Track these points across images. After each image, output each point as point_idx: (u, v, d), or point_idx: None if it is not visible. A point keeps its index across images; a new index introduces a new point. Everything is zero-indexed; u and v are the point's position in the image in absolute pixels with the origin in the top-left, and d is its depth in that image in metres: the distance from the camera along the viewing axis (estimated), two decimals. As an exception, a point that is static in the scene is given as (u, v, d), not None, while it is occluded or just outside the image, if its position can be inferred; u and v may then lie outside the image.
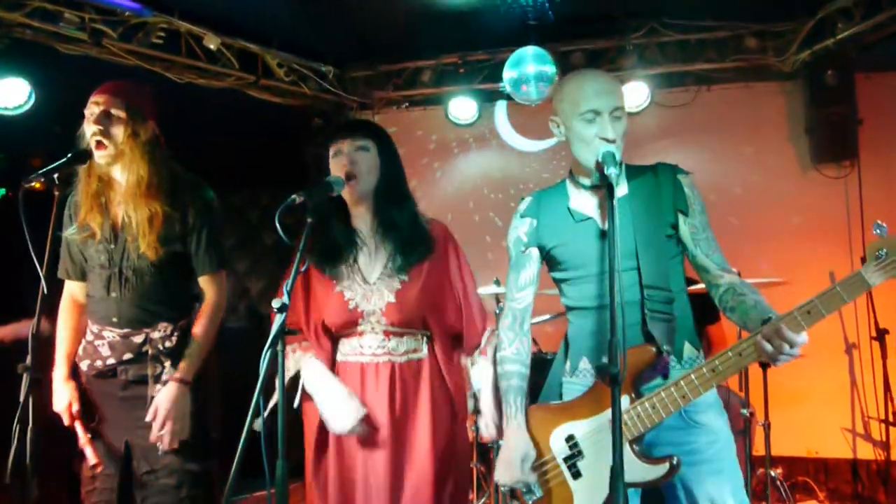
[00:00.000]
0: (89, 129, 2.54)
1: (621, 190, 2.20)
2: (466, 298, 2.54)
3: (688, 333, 2.17)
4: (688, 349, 2.15)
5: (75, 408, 2.58)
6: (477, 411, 2.54)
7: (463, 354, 2.55)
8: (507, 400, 2.26)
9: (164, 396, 2.51)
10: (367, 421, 2.39)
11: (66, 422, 2.58)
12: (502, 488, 2.22)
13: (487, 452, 4.36)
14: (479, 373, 2.53)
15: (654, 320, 2.08)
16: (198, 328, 2.65)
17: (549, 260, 2.28)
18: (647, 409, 2.01)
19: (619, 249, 2.07)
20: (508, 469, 2.17)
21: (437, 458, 2.40)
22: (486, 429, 2.49)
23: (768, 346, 1.88)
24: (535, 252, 2.29)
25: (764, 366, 4.08)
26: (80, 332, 2.70)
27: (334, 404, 2.36)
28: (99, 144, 2.53)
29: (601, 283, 2.13)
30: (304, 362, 2.46)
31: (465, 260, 2.58)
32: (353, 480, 2.41)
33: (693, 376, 1.98)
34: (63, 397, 2.59)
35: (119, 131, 2.54)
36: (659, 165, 2.23)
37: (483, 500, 4.26)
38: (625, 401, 2.02)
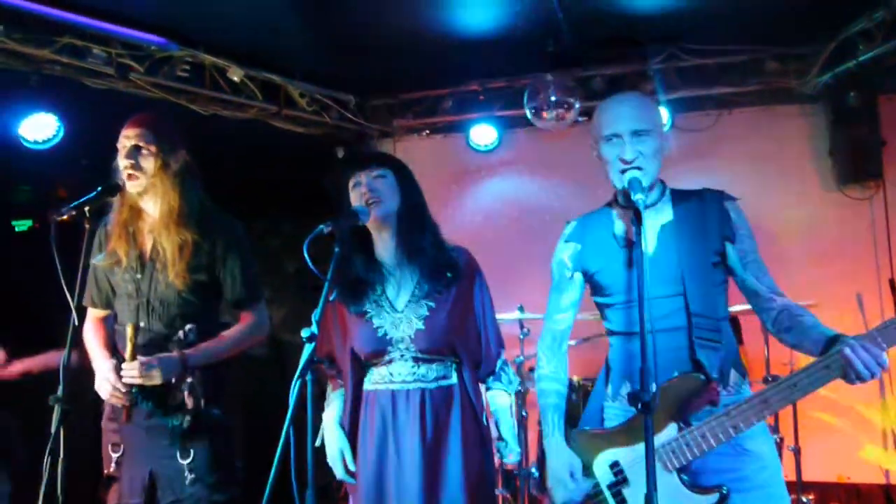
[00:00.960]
0: (121, 163, 2.59)
1: (666, 215, 2.21)
2: (485, 324, 2.57)
3: (733, 360, 2.16)
4: (733, 375, 2.14)
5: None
6: (498, 437, 2.56)
7: (479, 380, 2.58)
8: (546, 417, 2.28)
9: (157, 356, 2.50)
10: (399, 447, 2.43)
11: (112, 395, 2.51)
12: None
13: (512, 479, 4.31)
14: (496, 398, 2.58)
15: (703, 348, 2.08)
16: (226, 332, 2.67)
17: (593, 284, 2.30)
18: (696, 437, 1.99)
19: (663, 275, 2.08)
20: (560, 486, 2.17)
21: (468, 483, 2.41)
22: (509, 454, 2.52)
23: (857, 360, 1.82)
24: (578, 276, 2.32)
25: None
26: (110, 338, 2.72)
27: (330, 453, 2.53)
28: (130, 177, 2.58)
29: (644, 309, 2.12)
30: (328, 401, 2.59)
31: (487, 286, 2.60)
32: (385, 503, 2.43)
33: (745, 406, 1.96)
34: (105, 365, 2.55)
35: (150, 164, 2.59)
36: (706, 191, 2.24)
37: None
38: (673, 429, 2.02)
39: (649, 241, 2.15)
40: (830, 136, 5.08)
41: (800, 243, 5.07)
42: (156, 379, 2.47)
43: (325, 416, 2.58)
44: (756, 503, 2.03)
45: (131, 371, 2.47)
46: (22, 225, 5.41)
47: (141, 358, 2.47)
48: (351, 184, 2.51)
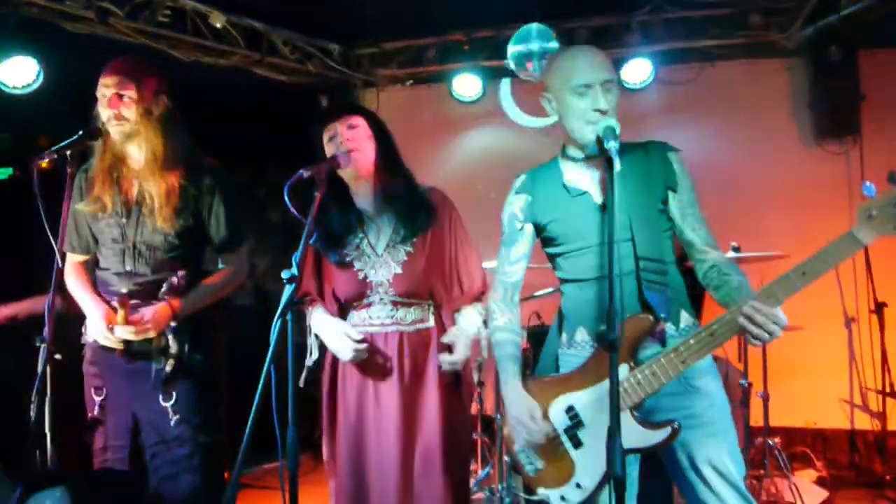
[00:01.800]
0: (103, 113, 2.59)
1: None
2: (465, 259, 2.61)
3: (682, 302, 2.22)
4: (684, 317, 2.20)
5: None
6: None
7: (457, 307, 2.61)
8: (503, 366, 2.30)
9: (150, 309, 2.56)
10: (377, 388, 2.49)
11: (106, 331, 2.54)
12: (519, 449, 2.28)
13: (490, 423, 4.42)
14: (466, 314, 2.59)
15: (650, 290, 2.13)
16: (209, 279, 2.72)
17: (545, 236, 2.31)
18: (647, 375, 2.04)
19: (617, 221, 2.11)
20: (521, 428, 2.21)
21: (445, 426, 2.49)
22: (456, 344, 2.53)
23: (753, 326, 1.88)
24: (528, 228, 2.33)
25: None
26: (92, 282, 2.74)
27: (334, 341, 2.51)
28: (113, 126, 2.58)
29: (599, 255, 2.16)
30: (311, 315, 2.60)
31: (462, 223, 2.65)
32: (364, 445, 2.51)
33: (692, 341, 2.01)
34: (97, 312, 2.59)
35: (131, 112, 2.59)
36: (650, 143, 2.26)
37: (487, 470, 4.34)
38: (624, 369, 2.06)
39: (600, 190, 2.19)
40: (811, 91, 5.12)
41: (776, 196, 5.14)
42: (151, 334, 2.55)
43: (313, 318, 2.59)
44: (704, 439, 2.10)
45: (126, 332, 2.52)
46: (2, 173, 5.35)
47: (134, 317, 2.51)
48: (326, 137, 2.53)
